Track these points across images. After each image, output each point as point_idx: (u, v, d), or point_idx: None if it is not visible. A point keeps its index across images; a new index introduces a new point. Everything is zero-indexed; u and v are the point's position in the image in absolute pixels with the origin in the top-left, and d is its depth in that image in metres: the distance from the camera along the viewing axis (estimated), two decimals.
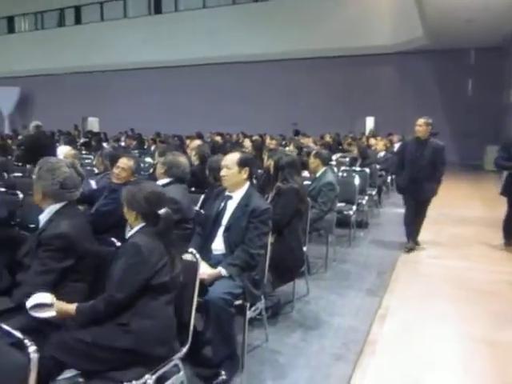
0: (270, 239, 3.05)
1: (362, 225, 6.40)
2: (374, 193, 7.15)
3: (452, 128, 14.35)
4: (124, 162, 3.49)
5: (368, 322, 3.47)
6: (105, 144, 10.90)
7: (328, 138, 10.77)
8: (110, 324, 2.00)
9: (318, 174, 4.73)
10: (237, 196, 2.89)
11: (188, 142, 8.20)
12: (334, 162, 7.03)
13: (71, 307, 1.99)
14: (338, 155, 8.62)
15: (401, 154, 5.35)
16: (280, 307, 3.62)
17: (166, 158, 3.46)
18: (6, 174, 5.27)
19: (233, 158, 2.90)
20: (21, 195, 3.98)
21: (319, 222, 4.44)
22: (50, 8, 20.27)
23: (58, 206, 2.26)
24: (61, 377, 1.94)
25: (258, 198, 2.90)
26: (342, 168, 6.70)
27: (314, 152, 4.92)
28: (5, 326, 1.48)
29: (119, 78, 18.77)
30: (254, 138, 9.33)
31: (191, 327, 2.27)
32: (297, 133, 13.38)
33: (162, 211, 2.11)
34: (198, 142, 7.19)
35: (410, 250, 5.23)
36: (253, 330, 3.19)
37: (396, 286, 4.23)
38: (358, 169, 6.66)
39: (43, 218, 2.27)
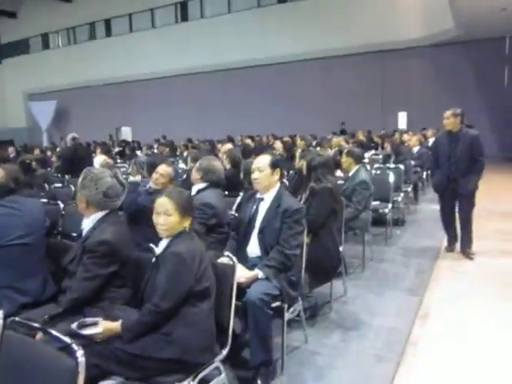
0: (306, 240, 3.04)
1: (398, 222, 6.28)
2: (409, 189, 7.00)
3: (490, 120, 13.88)
4: (163, 168, 3.58)
5: (409, 323, 3.40)
6: (138, 152, 11.16)
7: (361, 136, 10.61)
8: (153, 334, 2.03)
9: (350, 173, 4.68)
10: (268, 198, 2.89)
11: (219, 146, 8.27)
12: (366, 160, 6.93)
13: (116, 324, 2.02)
14: (371, 153, 8.49)
15: (434, 150, 5.06)
16: (318, 308, 3.59)
17: (202, 163, 3.48)
18: (46, 186, 5.46)
19: (264, 160, 2.90)
20: (61, 205, 4.12)
21: (354, 222, 4.38)
22: (81, 22, 20.95)
23: (100, 214, 2.34)
24: (104, 382, 2.00)
25: (289, 198, 2.90)
26: (376, 165, 6.59)
27: (345, 151, 4.86)
28: (53, 331, 1.54)
29: (149, 87, 19.16)
30: (284, 139, 9.32)
31: (230, 330, 2.29)
32: (343, 132, 13.22)
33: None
34: (229, 145, 7.25)
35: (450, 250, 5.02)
36: (291, 332, 3.18)
37: (437, 285, 4.13)
38: (392, 166, 6.54)
39: (87, 225, 2.35)
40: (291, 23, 15.69)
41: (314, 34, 15.29)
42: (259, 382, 2.62)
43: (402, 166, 6.44)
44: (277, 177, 2.89)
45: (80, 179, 2.38)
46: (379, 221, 5.43)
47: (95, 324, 1.99)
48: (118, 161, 8.82)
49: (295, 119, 15.20)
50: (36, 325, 1.64)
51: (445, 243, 5.16)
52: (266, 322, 2.55)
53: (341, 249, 3.70)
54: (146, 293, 2.13)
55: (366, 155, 7.71)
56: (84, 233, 2.33)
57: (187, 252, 2.07)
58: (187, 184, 4.60)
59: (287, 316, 2.79)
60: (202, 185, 3.40)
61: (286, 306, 2.74)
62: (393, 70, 15.19)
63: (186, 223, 2.20)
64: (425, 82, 15.04)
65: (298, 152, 4.87)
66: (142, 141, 15.07)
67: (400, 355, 2.95)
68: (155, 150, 10.98)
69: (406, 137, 9.80)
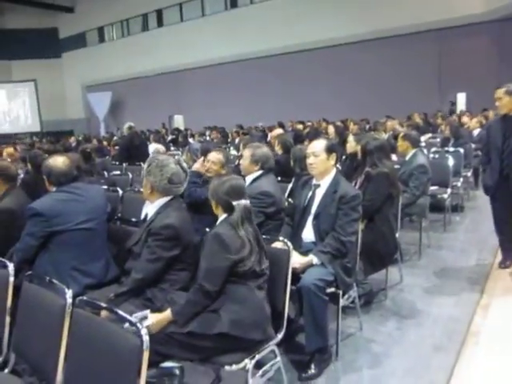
0: (361, 226, 2.99)
1: (457, 208, 6.01)
2: (469, 174, 6.67)
3: None
4: (213, 155, 3.59)
5: (469, 312, 3.27)
6: (191, 140, 11.38)
7: (417, 119, 10.17)
8: (203, 312, 2.09)
9: (407, 157, 4.52)
10: (324, 183, 2.86)
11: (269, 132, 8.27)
12: (423, 144, 6.66)
13: (166, 313, 2.09)
14: (428, 136, 8.15)
15: (484, 141, 4.10)
16: (373, 295, 3.53)
17: (256, 153, 3.41)
18: (105, 173, 5.70)
19: (320, 144, 2.86)
20: (120, 192, 4.28)
21: (411, 207, 4.24)
22: (134, 14, 21.48)
23: (164, 199, 2.41)
24: (166, 363, 2.08)
25: (346, 184, 2.85)
26: (433, 149, 6.32)
27: (401, 134, 4.69)
28: (119, 311, 1.61)
29: (200, 75, 19.39)
30: (336, 123, 9.14)
31: (285, 314, 2.30)
32: (452, 112, 12.57)
33: (237, 202, 2.20)
34: (279, 130, 7.21)
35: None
36: (346, 318, 3.14)
37: (499, 274, 3.93)
38: (451, 149, 6.25)
39: (151, 210, 2.43)
40: (345, 5, 15.24)
41: (367, 15, 14.77)
42: (313, 367, 2.62)
43: (461, 150, 6.14)
44: (332, 162, 2.85)
45: (145, 166, 2.46)
46: (437, 207, 5.22)
47: (145, 317, 2.03)
48: (172, 148, 9.03)
49: (346, 103, 14.85)
50: (103, 304, 1.72)
51: None
52: (322, 307, 2.54)
53: (397, 235, 3.60)
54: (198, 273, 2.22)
55: (423, 138, 7.40)
56: (148, 217, 2.42)
57: (225, 233, 2.13)
58: (238, 170, 4.64)
59: (342, 302, 2.77)
60: (257, 173, 3.36)
61: (340, 293, 2.71)
62: (451, 49, 14.41)
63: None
64: (486, 61, 14.15)
65: (350, 136, 4.75)
66: (194, 128, 15.33)
67: (460, 345, 2.85)
68: (207, 138, 11.15)
69: (465, 119, 9.33)
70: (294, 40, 16.11)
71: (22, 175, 4.55)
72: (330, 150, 2.83)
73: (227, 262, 2.09)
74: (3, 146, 9.08)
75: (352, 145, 4.40)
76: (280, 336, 2.26)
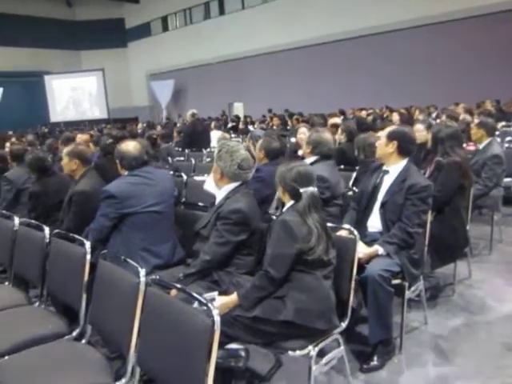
0: (430, 217, 2.87)
1: None
2: None
3: None
4: (258, 144, 3.60)
5: None
6: (250, 127, 11.44)
7: (489, 106, 9.53)
8: (268, 298, 2.11)
9: (481, 146, 4.26)
10: (394, 171, 2.78)
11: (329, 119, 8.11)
12: (497, 132, 6.25)
13: (232, 297, 2.13)
14: (501, 124, 7.64)
15: None
16: (439, 289, 3.41)
17: (311, 136, 3.44)
18: (170, 159, 5.87)
19: (386, 129, 2.88)
20: (185, 177, 4.40)
21: (483, 199, 4.00)
22: (197, 3, 21.77)
23: (233, 185, 2.44)
24: (231, 345, 2.12)
25: (417, 174, 2.75)
26: (508, 138, 5.92)
27: (477, 121, 4.42)
28: (191, 291, 1.66)
29: (259, 62, 19.36)
30: (400, 111, 8.79)
31: (350, 303, 2.27)
32: None
33: (304, 189, 2.18)
34: (336, 119, 7.06)
35: None
36: (410, 312, 3.06)
37: None
38: None
39: (220, 195, 2.47)
40: None
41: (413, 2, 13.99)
42: (376, 359, 2.58)
43: None
44: (391, 150, 2.77)
45: (216, 151, 2.50)
46: (511, 199, 4.90)
47: (213, 299, 2.08)
48: (232, 135, 9.12)
49: (410, 88, 14.22)
50: (176, 284, 1.78)
51: None
52: (386, 299, 2.48)
53: (467, 228, 3.43)
54: (264, 259, 2.22)
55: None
56: (217, 201, 2.47)
57: (293, 220, 2.11)
58: (295, 156, 4.61)
59: (407, 295, 2.69)
60: (313, 158, 3.35)
61: (406, 285, 2.64)
62: None
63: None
64: None
65: (419, 124, 4.55)
66: (253, 115, 15.37)
67: None
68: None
69: None
70: (357, 25, 15.63)
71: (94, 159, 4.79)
72: (390, 137, 2.78)
73: (293, 249, 2.08)
74: (76, 132, 9.61)
75: (421, 133, 4.20)
76: (344, 325, 2.24)
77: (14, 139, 9.12)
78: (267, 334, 2.08)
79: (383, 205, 2.74)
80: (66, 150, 3.34)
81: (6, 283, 3.01)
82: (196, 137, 7.33)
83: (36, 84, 22.45)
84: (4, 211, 3.39)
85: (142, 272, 1.89)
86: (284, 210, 2.28)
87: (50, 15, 22.99)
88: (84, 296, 2.28)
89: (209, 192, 2.57)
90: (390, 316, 2.56)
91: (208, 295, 2.05)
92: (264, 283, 2.10)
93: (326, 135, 3.41)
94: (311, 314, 2.07)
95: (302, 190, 2.18)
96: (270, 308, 2.08)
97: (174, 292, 1.95)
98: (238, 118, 13.17)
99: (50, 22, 22.98)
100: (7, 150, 5.37)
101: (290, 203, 2.25)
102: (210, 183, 2.56)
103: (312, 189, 2.21)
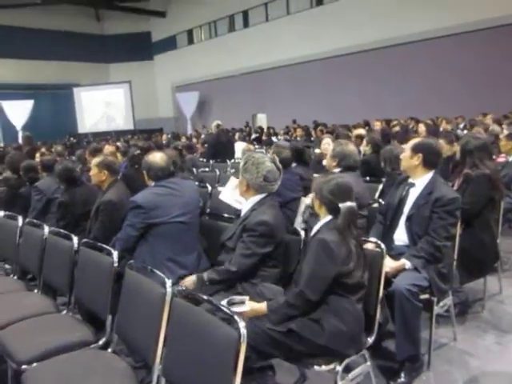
0: (458, 230, 2.81)
1: None
2: None
3: None
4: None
5: None
6: (273, 138, 11.47)
7: None
8: (303, 317, 2.04)
9: (511, 158, 4.16)
10: (420, 184, 2.73)
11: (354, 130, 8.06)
12: None
13: (262, 305, 2.08)
14: None
15: None
16: (468, 305, 3.31)
17: (335, 149, 3.42)
18: (194, 170, 5.93)
19: (411, 142, 2.83)
20: (209, 188, 4.43)
21: None
22: (221, 16, 22.09)
23: (259, 196, 2.45)
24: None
25: (443, 187, 2.70)
26: None
27: (506, 133, 4.32)
28: (216, 302, 1.67)
29: (282, 74, 19.44)
30: (426, 121, 8.66)
31: (377, 319, 2.23)
32: None
33: (343, 205, 2.07)
34: (361, 130, 7.01)
35: None
36: (439, 328, 2.98)
37: None
38: None
39: (246, 207, 2.48)
40: None
41: (462, 5, 13.80)
42: (403, 375, 2.52)
43: None
44: (417, 162, 2.73)
45: (241, 163, 2.51)
46: None
47: (243, 302, 2.06)
48: (256, 146, 9.16)
49: (436, 99, 14.03)
50: (204, 296, 1.78)
51: None
52: (414, 314, 2.43)
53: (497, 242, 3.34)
54: (296, 275, 2.16)
55: None
56: (243, 213, 2.47)
57: (333, 241, 2.02)
58: (319, 167, 4.60)
59: (436, 310, 2.63)
60: (337, 170, 3.33)
61: (435, 300, 2.58)
62: None
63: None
64: None
65: (439, 140, 4.47)
66: (276, 126, 15.41)
67: None
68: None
69: None
70: (380, 36, 15.56)
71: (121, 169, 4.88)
72: (414, 149, 2.74)
73: (332, 272, 2.00)
74: (103, 143, 9.82)
75: (444, 148, 4.13)
76: (370, 341, 2.20)
77: (43, 150, 9.38)
78: (295, 352, 2.03)
79: (409, 218, 2.70)
80: (95, 160, 3.42)
81: (36, 291, 3.08)
82: (220, 148, 7.40)
83: (65, 96, 23.09)
84: (34, 220, 3.48)
85: (169, 282, 1.90)
86: (320, 224, 2.18)
87: (79, 30, 23.70)
88: (110, 305, 2.31)
89: (225, 202, 2.58)
90: (418, 332, 2.50)
91: (238, 298, 2.05)
92: (298, 303, 2.02)
93: (350, 147, 3.40)
94: (345, 339, 2.03)
95: (340, 205, 2.07)
96: (306, 327, 2.01)
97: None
98: (261, 129, 13.24)
99: (80, 36, 23.67)
100: (37, 160, 5.52)
101: (326, 218, 2.17)
102: (226, 194, 2.57)
103: (351, 204, 2.09)
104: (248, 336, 1.71)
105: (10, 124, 19.36)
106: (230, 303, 2.08)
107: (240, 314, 1.98)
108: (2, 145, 12.51)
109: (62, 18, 22.30)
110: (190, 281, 2.47)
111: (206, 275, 2.41)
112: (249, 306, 2.05)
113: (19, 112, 19.33)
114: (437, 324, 2.92)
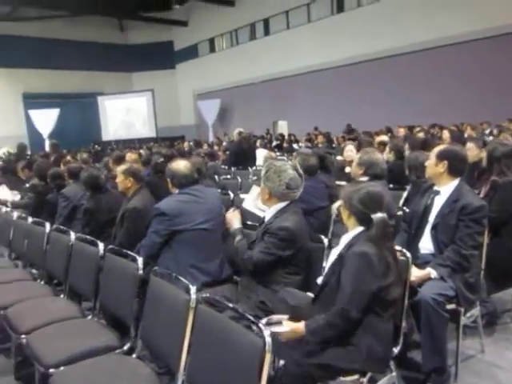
0: (486, 239, 2.75)
1: None
2: None
3: None
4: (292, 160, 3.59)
5: None
6: (294, 145, 11.47)
7: None
8: (341, 345, 1.94)
9: None
10: (445, 191, 2.69)
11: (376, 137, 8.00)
12: None
13: (300, 325, 1.95)
14: None
15: None
16: (497, 316, 3.22)
17: (362, 157, 3.38)
18: (216, 177, 5.97)
19: (436, 149, 2.79)
20: (231, 195, 4.45)
21: None
22: (243, 24, 22.29)
23: (282, 204, 2.46)
24: None
25: (470, 194, 2.65)
26: None
27: None
28: (240, 309, 1.67)
29: (303, 81, 19.44)
30: (450, 128, 8.52)
31: (402, 330, 2.19)
32: None
33: (376, 215, 1.96)
34: (384, 137, 6.95)
35: None
36: (465, 339, 2.90)
37: None
38: None
39: (268, 215, 2.49)
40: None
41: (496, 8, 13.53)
42: None
43: None
44: (441, 170, 2.69)
45: (263, 172, 2.52)
46: None
47: (280, 322, 1.98)
48: (277, 153, 9.17)
49: (461, 104, 13.79)
50: (229, 304, 1.78)
51: None
52: (441, 324, 2.38)
53: None
54: (329, 289, 2.05)
55: None
56: (266, 220, 2.48)
57: (374, 253, 1.92)
58: (342, 175, 4.58)
59: (463, 321, 2.57)
60: (364, 178, 3.30)
61: (462, 310, 2.52)
62: None
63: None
64: None
65: (470, 143, 4.40)
66: (297, 133, 15.40)
67: None
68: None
69: None
70: (401, 42, 15.43)
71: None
72: (439, 156, 2.70)
73: (374, 286, 1.90)
74: (126, 150, 9.98)
75: (474, 152, 4.06)
76: (396, 351, 2.16)
77: (68, 157, 9.60)
78: (333, 373, 1.95)
79: (435, 226, 2.66)
80: (121, 168, 3.48)
81: (62, 296, 3.14)
82: (242, 155, 7.43)
83: (89, 105, 23.60)
84: (61, 226, 3.56)
85: (193, 289, 1.91)
86: (350, 237, 2.07)
87: (104, 40, 24.24)
88: (135, 311, 2.33)
89: (249, 210, 2.60)
90: (445, 342, 2.44)
91: (276, 317, 1.98)
92: (339, 322, 1.90)
93: (377, 155, 3.38)
94: (378, 360, 1.98)
95: (372, 216, 1.96)
96: (341, 358, 1.92)
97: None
98: (282, 136, 13.25)
99: (104, 46, 24.21)
100: (63, 167, 5.64)
101: (356, 229, 2.06)
102: (249, 202, 2.59)
103: (383, 214, 1.97)
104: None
105: (37, 132, 19.89)
106: (268, 323, 2.02)
107: (279, 333, 1.92)
108: (29, 152, 12.83)
109: (88, 29, 22.87)
110: None
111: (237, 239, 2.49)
112: (287, 326, 1.95)
113: (46, 120, 19.86)
114: (464, 335, 2.84)
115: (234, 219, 2.68)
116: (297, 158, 3.59)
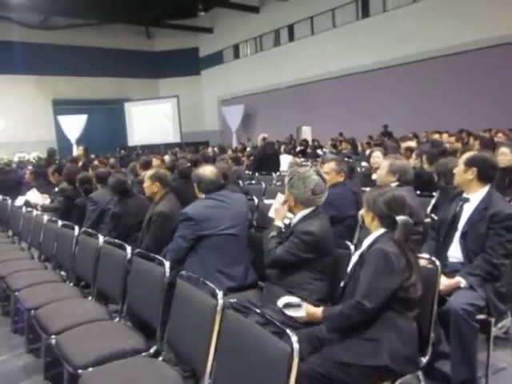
0: None
1: None
2: None
3: None
4: (326, 166, 3.57)
5: None
6: (318, 150, 11.41)
7: None
8: (360, 340, 1.98)
9: None
10: (475, 199, 2.64)
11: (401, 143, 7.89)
12: None
13: (318, 310, 2.08)
14: None
15: None
16: None
17: (394, 164, 3.32)
18: (240, 182, 5.99)
19: (465, 155, 2.74)
20: (256, 200, 4.46)
21: None
22: (267, 30, 22.40)
23: (307, 210, 2.46)
24: None
25: (500, 202, 2.59)
26: None
27: None
28: (269, 315, 1.67)
29: (327, 86, 19.37)
30: (480, 133, 8.33)
31: (431, 339, 2.15)
32: None
33: (400, 218, 2.03)
34: (410, 143, 6.86)
35: None
36: (496, 350, 2.82)
37: None
38: None
39: (295, 220, 2.50)
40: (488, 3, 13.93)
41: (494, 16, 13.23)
42: None
43: None
44: (471, 177, 2.64)
45: (287, 179, 2.53)
46: None
47: (299, 305, 2.07)
48: (301, 159, 9.15)
49: (488, 110, 13.48)
50: (257, 309, 1.79)
51: None
52: (471, 335, 2.32)
53: None
54: (349, 289, 2.12)
55: None
56: (292, 223, 2.49)
57: (393, 252, 1.97)
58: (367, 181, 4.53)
59: (494, 331, 2.50)
60: (393, 184, 3.26)
61: (493, 321, 2.45)
62: None
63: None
64: None
65: (503, 147, 4.29)
66: (321, 139, 15.33)
67: None
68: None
69: None
70: (426, 47, 15.21)
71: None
72: (468, 163, 2.66)
73: (393, 284, 1.95)
74: (151, 155, 10.12)
75: (508, 157, 3.95)
76: (424, 361, 2.12)
77: (96, 162, 9.80)
78: (356, 376, 1.93)
79: (464, 234, 2.61)
80: (148, 173, 3.54)
81: (90, 298, 3.20)
82: (266, 160, 7.45)
83: (116, 111, 24.08)
84: (89, 230, 3.64)
85: (220, 294, 1.93)
86: (373, 237, 2.13)
87: (131, 47, 24.75)
88: (161, 314, 2.36)
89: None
90: (475, 354, 2.38)
91: (295, 301, 2.06)
92: (353, 313, 1.97)
93: (406, 162, 3.36)
94: (402, 358, 1.96)
95: (398, 219, 2.02)
96: (364, 352, 1.94)
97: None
98: (306, 142, 13.22)
99: (131, 53, 24.71)
100: (91, 172, 5.77)
101: (379, 231, 2.13)
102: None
103: (406, 218, 2.05)
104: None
105: (65, 137, 20.41)
106: (287, 305, 2.09)
107: (297, 317, 2.04)
108: (58, 157, 13.17)
109: (115, 37, 23.41)
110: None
111: (272, 234, 2.52)
112: (305, 310, 2.06)
113: (74, 126, 20.36)
114: (494, 346, 2.76)
115: (278, 214, 2.61)
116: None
